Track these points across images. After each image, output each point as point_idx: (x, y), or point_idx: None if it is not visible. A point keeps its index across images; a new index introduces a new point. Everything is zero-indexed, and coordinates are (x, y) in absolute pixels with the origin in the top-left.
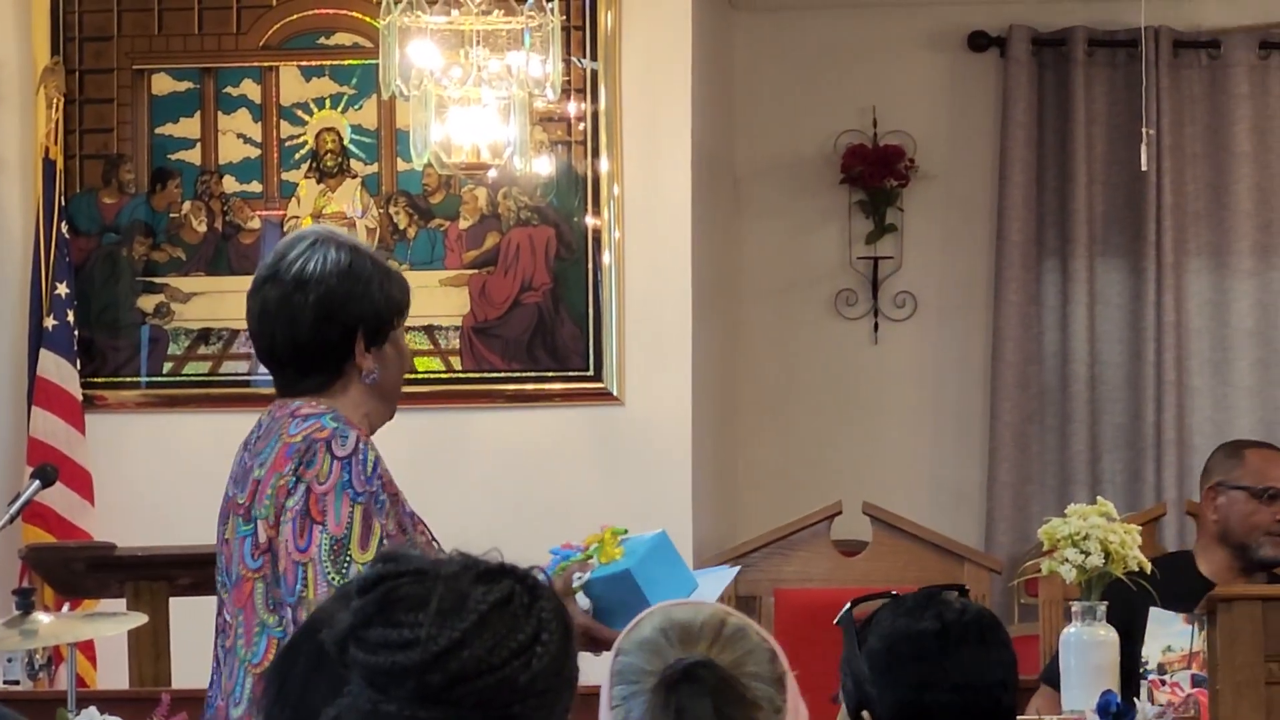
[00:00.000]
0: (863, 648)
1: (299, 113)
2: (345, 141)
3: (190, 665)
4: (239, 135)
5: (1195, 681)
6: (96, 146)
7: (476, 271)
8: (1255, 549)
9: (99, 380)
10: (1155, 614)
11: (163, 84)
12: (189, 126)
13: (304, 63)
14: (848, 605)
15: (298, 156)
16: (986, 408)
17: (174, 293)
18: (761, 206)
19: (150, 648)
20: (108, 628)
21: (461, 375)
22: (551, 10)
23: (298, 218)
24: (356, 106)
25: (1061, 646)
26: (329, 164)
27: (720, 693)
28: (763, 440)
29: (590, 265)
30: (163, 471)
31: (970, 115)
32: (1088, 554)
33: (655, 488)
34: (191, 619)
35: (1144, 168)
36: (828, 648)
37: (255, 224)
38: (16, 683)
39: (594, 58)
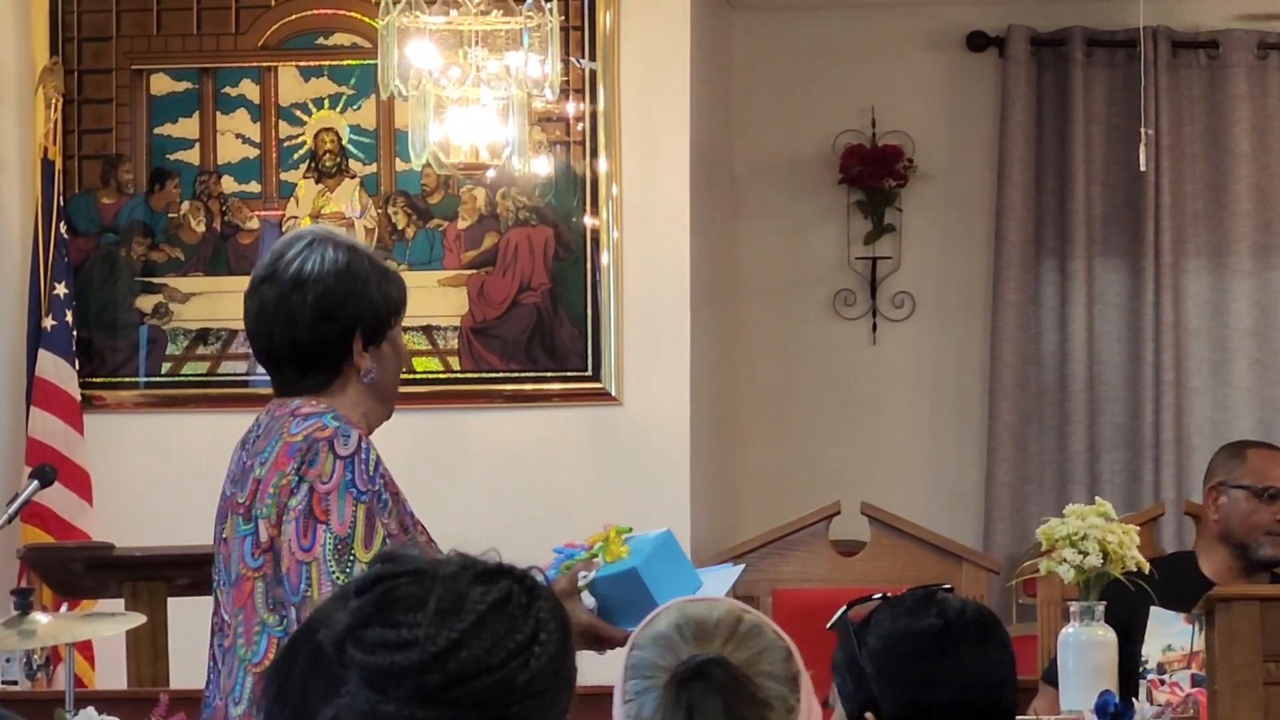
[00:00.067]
0: (862, 649)
1: (297, 113)
2: (344, 142)
3: (188, 665)
4: (237, 135)
5: (1195, 681)
6: (95, 147)
7: (475, 272)
8: (1255, 548)
9: (97, 380)
10: (1156, 613)
11: (161, 84)
12: (187, 127)
13: (302, 63)
14: (843, 609)
15: (296, 157)
16: (985, 408)
17: (172, 293)
18: (760, 206)
19: (148, 648)
20: (106, 628)
21: (460, 375)
22: (550, 10)
23: (296, 218)
24: (355, 107)
25: (1060, 647)
26: (327, 164)
27: (731, 691)
28: (761, 440)
29: (589, 265)
30: (161, 472)
31: (969, 115)
32: (1086, 554)
33: (654, 488)
34: (190, 619)
35: (1143, 168)
36: (827, 648)
37: (254, 224)
38: (15, 683)
39: (592, 58)
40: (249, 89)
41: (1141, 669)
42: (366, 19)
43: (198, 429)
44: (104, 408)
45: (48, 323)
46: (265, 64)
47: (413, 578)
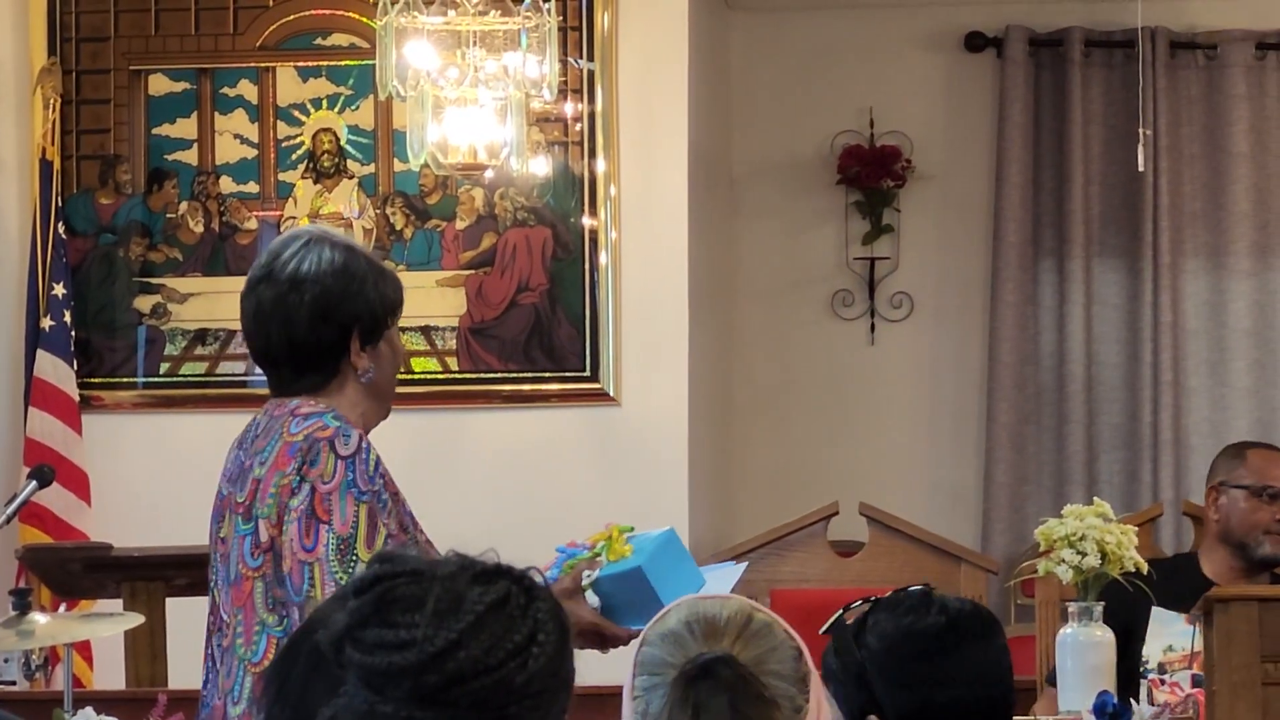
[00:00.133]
0: (860, 652)
1: (296, 113)
2: (342, 142)
3: (187, 665)
4: (236, 136)
5: (1195, 681)
6: (93, 147)
7: (473, 272)
8: (1255, 548)
9: (96, 381)
10: (1157, 614)
11: (159, 84)
12: (186, 127)
13: (301, 63)
14: (838, 613)
15: (294, 157)
16: (983, 408)
17: (171, 293)
18: (758, 207)
19: (147, 648)
20: (104, 628)
21: (458, 376)
22: (548, 11)
23: (294, 218)
24: (353, 107)
25: (1058, 647)
26: (326, 164)
27: (738, 690)
28: (759, 441)
29: (587, 266)
30: (160, 472)
31: (967, 116)
32: (1084, 554)
33: (652, 488)
34: (188, 619)
35: (1141, 168)
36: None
37: (252, 224)
38: (13, 683)
39: (591, 58)
40: (247, 89)
41: (1142, 669)
42: (364, 19)
43: (196, 429)
44: (102, 408)
45: (46, 323)
46: (263, 64)
47: (411, 578)
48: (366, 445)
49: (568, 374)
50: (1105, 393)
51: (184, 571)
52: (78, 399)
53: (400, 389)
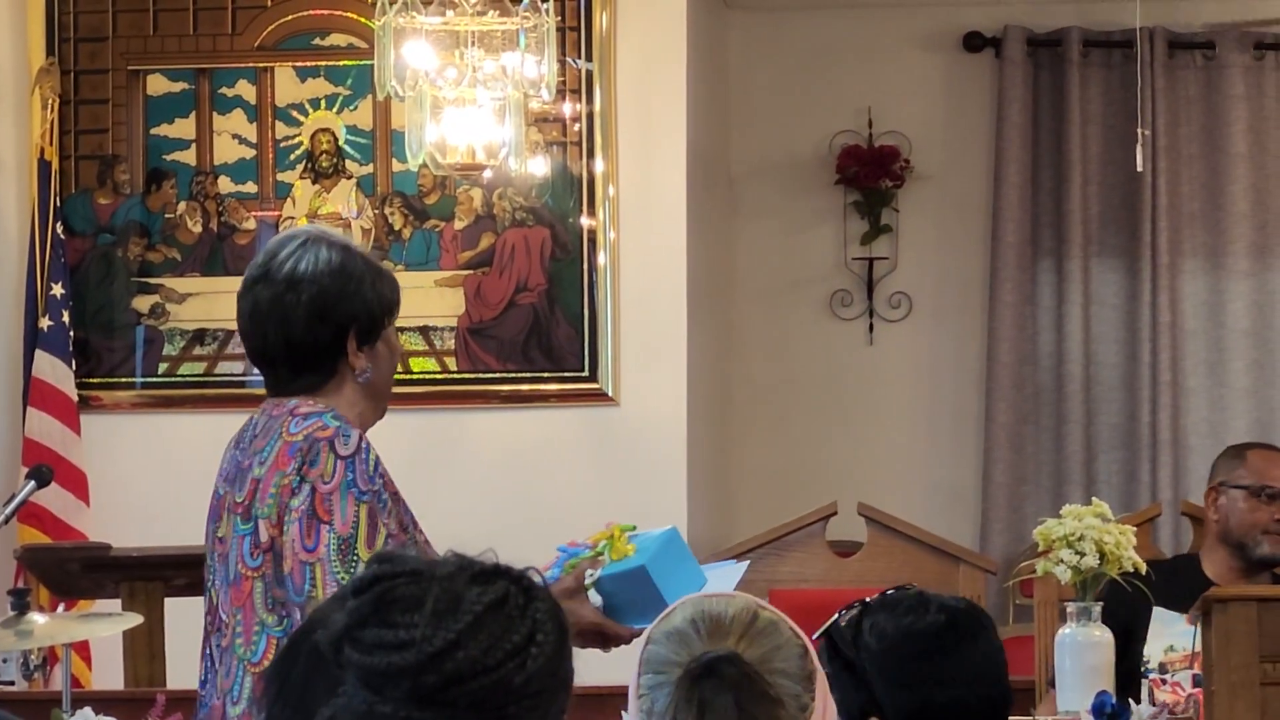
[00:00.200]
0: (858, 654)
1: (294, 113)
2: (340, 142)
3: (185, 665)
4: (234, 136)
5: (1196, 681)
6: (92, 147)
7: (471, 272)
8: (1254, 547)
9: (94, 381)
10: (1158, 614)
11: (158, 84)
12: (184, 127)
13: (299, 63)
14: (834, 617)
15: (293, 157)
16: (981, 408)
17: (169, 293)
18: (756, 207)
19: (145, 648)
20: (103, 628)
21: (456, 376)
22: (547, 11)
23: (293, 218)
24: (351, 107)
25: (1057, 648)
26: (324, 165)
27: (743, 688)
28: (758, 441)
29: (585, 266)
30: (158, 472)
31: (965, 116)
32: (1083, 555)
33: (650, 488)
34: (186, 619)
35: (1139, 168)
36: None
37: (250, 225)
38: (12, 683)
39: (589, 58)
40: (245, 89)
41: (1144, 669)
42: (363, 19)
43: (194, 429)
44: (101, 408)
45: (44, 323)
46: (262, 64)
47: (410, 578)
48: (366, 445)
49: (566, 374)
50: (1104, 393)
51: (182, 571)
52: (76, 399)
53: (398, 389)
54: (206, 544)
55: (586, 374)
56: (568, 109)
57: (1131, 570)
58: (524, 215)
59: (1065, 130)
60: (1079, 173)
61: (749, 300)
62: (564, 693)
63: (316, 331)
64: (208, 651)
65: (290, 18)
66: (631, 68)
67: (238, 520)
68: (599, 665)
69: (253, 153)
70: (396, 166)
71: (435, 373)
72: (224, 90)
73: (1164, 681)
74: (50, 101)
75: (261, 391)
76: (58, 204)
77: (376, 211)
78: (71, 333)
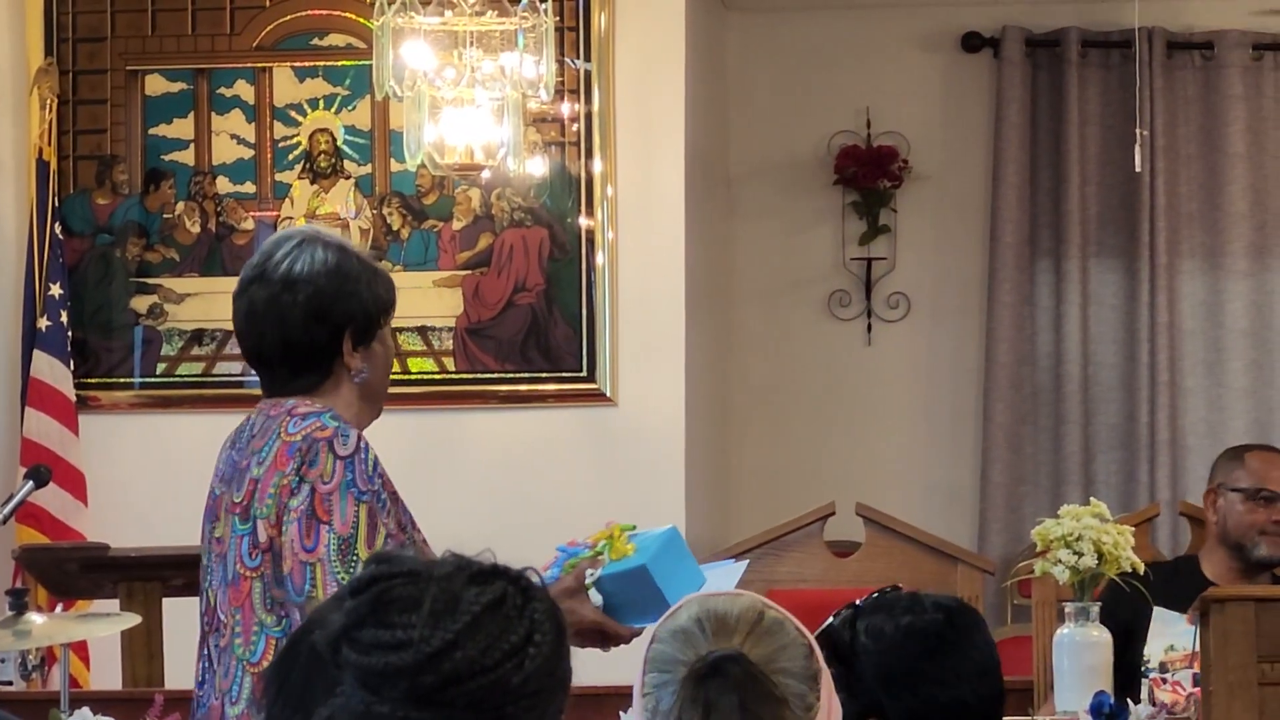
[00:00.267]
0: (858, 656)
1: (292, 113)
2: (339, 142)
3: (183, 666)
4: (232, 136)
5: (1197, 681)
6: (90, 147)
7: (470, 272)
8: (1252, 549)
9: (92, 381)
10: (1159, 614)
11: (156, 85)
12: (182, 127)
13: (297, 64)
14: (829, 620)
15: (291, 157)
16: (979, 408)
17: (167, 294)
18: (755, 207)
19: (143, 648)
20: (101, 628)
21: (455, 376)
22: (545, 11)
23: (291, 218)
24: (350, 107)
25: (1055, 648)
26: (322, 165)
27: (748, 688)
28: (756, 441)
29: (583, 266)
30: (156, 472)
31: (964, 116)
32: (1081, 555)
33: (648, 489)
34: (185, 619)
35: (1138, 169)
36: None
37: (249, 225)
38: (10, 683)
39: (588, 58)
40: (244, 90)
41: (1144, 668)
42: (361, 20)
43: (193, 430)
44: (99, 408)
45: (43, 323)
46: (260, 65)
47: (408, 579)
48: (365, 445)
49: (564, 374)
50: (1102, 393)
51: (181, 571)
52: (74, 399)
53: (397, 389)
54: (203, 544)
55: (585, 374)
56: (566, 109)
57: (1130, 570)
58: (522, 215)
59: (1064, 130)
60: (1077, 173)
61: (747, 300)
62: (562, 693)
63: (313, 332)
64: (205, 652)
65: (288, 18)
66: (630, 68)
67: (236, 520)
68: (597, 665)
69: (251, 153)
70: (395, 167)
71: (433, 373)
72: (222, 90)
73: (1165, 681)
74: (49, 101)
75: (259, 392)
76: (56, 204)
77: (375, 212)
78: (70, 333)
